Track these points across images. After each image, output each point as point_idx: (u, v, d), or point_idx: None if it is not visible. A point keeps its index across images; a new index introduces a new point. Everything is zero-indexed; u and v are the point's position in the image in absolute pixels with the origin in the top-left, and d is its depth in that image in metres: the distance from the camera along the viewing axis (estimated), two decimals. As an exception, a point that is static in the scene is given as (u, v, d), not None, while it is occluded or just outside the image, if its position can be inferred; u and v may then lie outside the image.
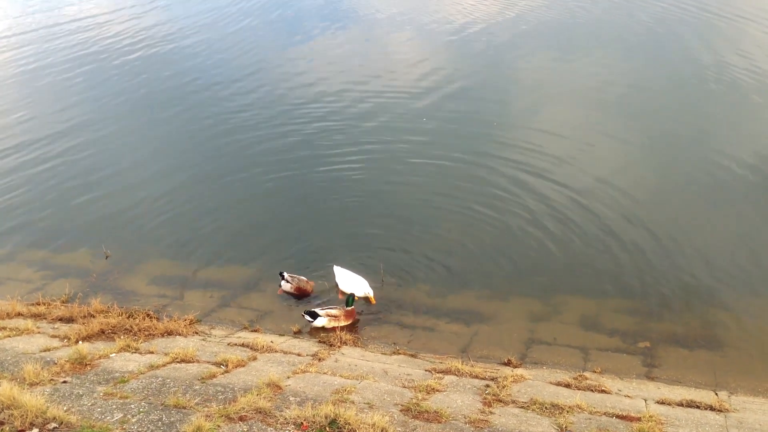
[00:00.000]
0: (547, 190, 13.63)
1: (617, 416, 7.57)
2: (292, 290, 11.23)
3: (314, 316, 10.37)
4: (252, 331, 10.48)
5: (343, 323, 10.46)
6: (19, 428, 6.56)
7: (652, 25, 22.54)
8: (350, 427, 6.68)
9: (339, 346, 9.83)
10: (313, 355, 9.36)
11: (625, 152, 14.98)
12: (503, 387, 8.23)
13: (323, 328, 10.41)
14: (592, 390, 8.46)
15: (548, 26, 23.17)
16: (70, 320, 10.33)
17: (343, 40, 23.24)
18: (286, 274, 11.28)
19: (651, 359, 9.58)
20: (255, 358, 9.04)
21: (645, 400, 8.23)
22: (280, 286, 11.30)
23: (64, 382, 7.82)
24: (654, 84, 18.31)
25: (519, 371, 8.98)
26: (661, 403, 8.15)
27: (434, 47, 22.08)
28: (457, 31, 23.18)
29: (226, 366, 8.53)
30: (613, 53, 20.61)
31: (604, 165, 14.43)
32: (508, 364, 9.44)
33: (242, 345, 9.58)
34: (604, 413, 7.63)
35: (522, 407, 7.73)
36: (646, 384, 8.96)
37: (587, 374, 9.04)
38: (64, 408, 7.08)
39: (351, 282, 11.06)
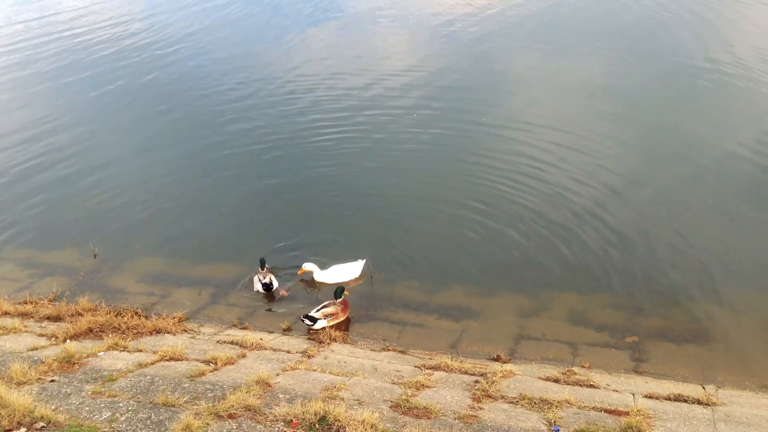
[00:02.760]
0: (535, 187, 13.67)
1: (606, 411, 7.61)
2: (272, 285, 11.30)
3: (313, 320, 10.29)
4: (241, 328, 10.45)
5: (341, 318, 10.44)
6: (7, 428, 6.52)
7: (642, 18, 22.63)
8: (340, 424, 6.68)
9: (328, 343, 9.83)
10: (302, 353, 9.35)
11: (613, 148, 15.03)
12: (492, 382, 8.25)
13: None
14: (580, 385, 8.50)
15: (537, 21, 23.21)
16: (57, 319, 10.26)
17: (331, 36, 23.21)
18: (266, 278, 11.25)
19: (639, 354, 9.63)
20: (244, 356, 9.02)
21: (633, 395, 8.28)
22: (269, 287, 11.25)
23: (52, 381, 7.77)
24: (645, 77, 18.40)
25: (508, 367, 9.01)
26: (649, 397, 8.19)
27: (423, 43, 22.08)
28: (446, 27, 23.18)
29: (215, 364, 8.51)
30: (603, 47, 20.68)
31: (592, 161, 14.48)
32: (497, 359, 9.47)
33: (231, 342, 9.55)
34: (593, 408, 7.67)
35: (511, 402, 7.76)
36: (634, 378, 9.01)
37: (576, 369, 9.08)
38: (52, 407, 7.03)
39: (335, 274, 11.33)
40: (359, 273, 11.49)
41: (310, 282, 11.53)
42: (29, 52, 23.12)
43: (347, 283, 11.26)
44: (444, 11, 24.72)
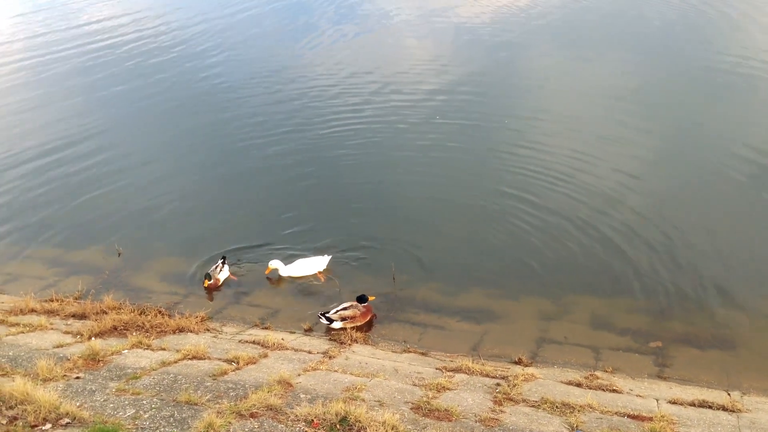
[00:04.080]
0: (558, 189, 13.59)
1: (629, 416, 7.54)
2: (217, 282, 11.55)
3: (330, 320, 10.32)
4: (263, 328, 10.50)
5: (360, 323, 10.43)
6: (33, 423, 6.62)
7: (666, 20, 22.41)
8: (360, 425, 6.69)
9: (350, 344, 9.84)
10: (323, 353, 9.37)
11: (636, 151, 14.90)
12: (514, 386, 8.21)
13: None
14: (603, 389, 8.43)
15: (560, 24, 23.09)
16: (82, 317, 10.39)
17: (353, 39, 23.27)
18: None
19: (663, 359, 9.53)
20: (266, 356, 9.06)
21: (657, 400, 8.19)
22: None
23: (77, 378, 7.87)
24: (667, 81, 18.23)
25: (530, 370, 8.95)
26: (673, 402, 8.11)
27: (446, 46, 22.06)
28: (469, 30, 23.14)
29: (237, 363, 8.56)
30: (625, 50, 20.52)
31: (615, 164, 14.35)
32: (518, 362, 9.41)
33: (253, 342, 9.61)
34: (616, 413, 7.61)
35: (533, 406, 7.71)
36: (657, 384, 8.91)
37: (598, 373, 9.00)
38: (77, 404, 7.12)
39: (302, 267, 11.61)
40: (324, 266, 11.64)
41: (278, 280, 11.69)
42: (55, 57, 23.43)
43: (312, 276, 11.57)
44: (469, 13, 24.68)
